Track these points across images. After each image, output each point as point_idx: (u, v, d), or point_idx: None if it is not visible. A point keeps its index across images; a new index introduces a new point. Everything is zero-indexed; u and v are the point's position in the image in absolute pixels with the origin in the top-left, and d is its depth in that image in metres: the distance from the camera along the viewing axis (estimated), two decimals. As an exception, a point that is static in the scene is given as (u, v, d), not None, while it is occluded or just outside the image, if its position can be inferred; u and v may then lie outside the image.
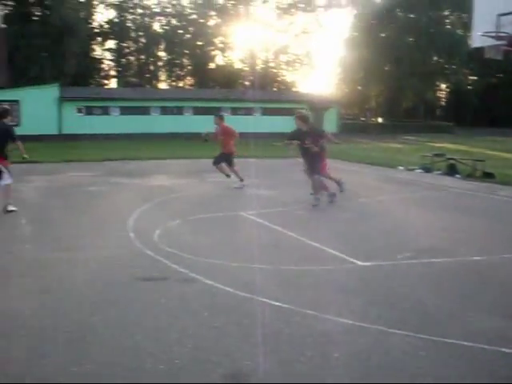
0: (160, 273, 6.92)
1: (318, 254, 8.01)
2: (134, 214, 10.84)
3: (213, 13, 67.36)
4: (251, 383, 4.25)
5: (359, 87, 70.81)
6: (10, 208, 11.22)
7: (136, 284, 6.51)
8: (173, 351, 4.69)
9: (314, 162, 12.14)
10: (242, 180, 14.79)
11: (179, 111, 41.79)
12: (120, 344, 4.84)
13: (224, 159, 15.05)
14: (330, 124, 45.07)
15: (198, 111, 41.12)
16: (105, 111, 41.12)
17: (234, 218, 10.77)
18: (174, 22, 69.63)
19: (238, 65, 68.72)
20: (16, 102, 40.22)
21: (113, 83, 72.35)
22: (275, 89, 63.88)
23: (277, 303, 5.82)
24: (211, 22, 67.96)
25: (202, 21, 67.22)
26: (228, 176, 15.20)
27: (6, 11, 57.45)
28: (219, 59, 70.52)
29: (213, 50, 69.06)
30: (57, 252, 8.06)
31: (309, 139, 11.96)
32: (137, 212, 11.03)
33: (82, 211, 11.63)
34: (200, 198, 13.26)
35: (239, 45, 71.77)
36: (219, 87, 57.34)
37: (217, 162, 15.16)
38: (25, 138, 36.59)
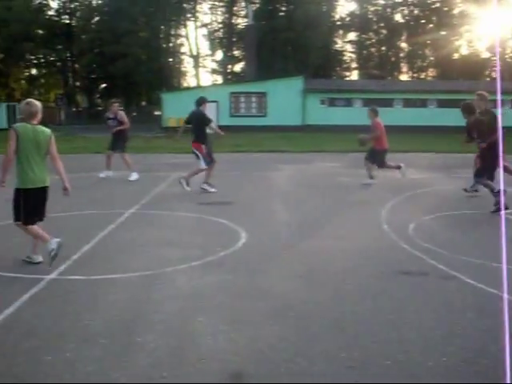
0: (418, 268, 6.83)
1: None
2: (386, 206, 10.88)
3: (458, 0, 64.82)
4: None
5: None
6: (184, 184, 12.54)
7: (395, 277, 6.49)
8: (439, 349, 4.57)
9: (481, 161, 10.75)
10: (371, 178, 14.08)
11: (422, 103, 40.95)
12: (385, 335, 4.84)
13: (376, 156, 14.09)
14: None
15: (443, 104, 39.93)
16: (347, 103, 41.61)
17: (488, 216, 10.24)
18: (416, 11, 68.23)
19: (484, 55, 65.44)
20: (263, 94, 42.30)
21: (354, 75, 73.00)
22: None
23: (551, 312, 5.43)
24: (456, 10, 65.44)
25: (446, 9, 65.03)
26: (371, 177, 14.19)
27: (254, 8, 60.59)
28: (464, 49, 67.80)
29: (457, 40, 66.52)
30: (315, 239, 8.36)
31: (474, 133, 10.60)
32: (388, 204, 11.05)
33: (335, 201, 11.96)
34: (449, 194, 12.85)
35: (486, 33, 68.12)
36: (463, 79, 55.10)
37: (383, 164, 14.19)
38: (270, 129, 38.41)
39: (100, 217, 10.11)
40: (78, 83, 73.99)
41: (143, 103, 76.76)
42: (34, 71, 73.74)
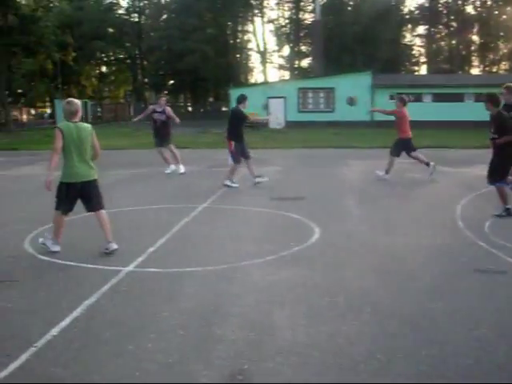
0: (496, 265, 6.65)
1: None
2: (461, 202, 10.66)
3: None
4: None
5: None
6: (229, 184, 12.69)
7: (472, 275, 6.35)
8: None
9: (493, 163, 9.50)
10: (428, 164, 13.80)
11: (494, 98, 39.81)
12: (465, 334, 4.75)
13: (403, 146, 13.90)
14: None
15: (516, 98, 38.75)
16: (417, 98, 40.78)
17: None
18: (488, 2, 66.33)
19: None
20: (331, 89, 42.05)
21: (422, 70, 71.70)
22: None
23: None
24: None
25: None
26: (427, 164, 13.86)
27: (322, 3, 60.28)
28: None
29: (532, 32, 64.40)
30: (389, 236, 8.26)
31: (492, 127, 9.29)
32: (463, 201, 10.83)
33: (407, 197, 11.87)
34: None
35: None
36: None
37: (395, 152, 13.96)
38: (338, 125, 37.98)
39: (173, 211, 10.28)
40: (146, 80, 75.30)
41: (210, 99, 77.54)
42: (104, 69, 75.55)
